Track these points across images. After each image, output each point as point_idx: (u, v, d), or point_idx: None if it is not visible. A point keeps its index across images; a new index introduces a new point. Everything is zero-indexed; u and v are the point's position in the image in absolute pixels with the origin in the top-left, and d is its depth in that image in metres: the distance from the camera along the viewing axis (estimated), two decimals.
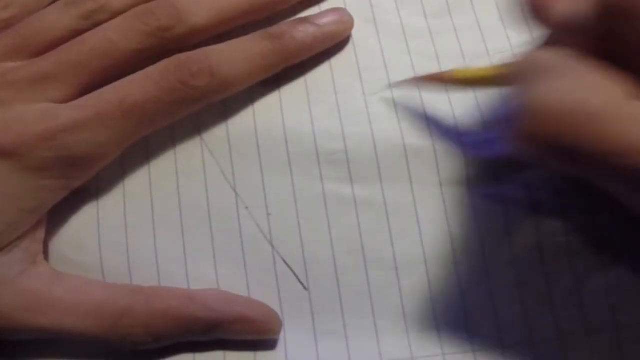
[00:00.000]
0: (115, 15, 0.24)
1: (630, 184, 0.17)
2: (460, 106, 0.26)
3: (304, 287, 0.24)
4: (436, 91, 0.25)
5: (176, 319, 0.22)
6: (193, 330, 0.23)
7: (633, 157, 0.16)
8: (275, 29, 0.25)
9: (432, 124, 0.25)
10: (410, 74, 0.26)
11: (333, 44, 0.26)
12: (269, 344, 0.24)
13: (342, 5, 0.27)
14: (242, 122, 0.25)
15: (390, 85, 0.26)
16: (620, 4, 0.18)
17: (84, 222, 0.24)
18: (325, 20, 0.26)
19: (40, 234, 0.23)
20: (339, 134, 0.25)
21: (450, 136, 0.25)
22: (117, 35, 0.23)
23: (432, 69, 0.26)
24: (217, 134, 0.25)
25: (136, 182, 0.25)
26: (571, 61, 0.18)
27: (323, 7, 0.27)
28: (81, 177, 0.23)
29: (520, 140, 0.18)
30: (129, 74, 0.23)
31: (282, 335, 0.24)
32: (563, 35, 0.20)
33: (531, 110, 0.18)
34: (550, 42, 0.21)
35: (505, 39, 0.27)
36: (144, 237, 0.24)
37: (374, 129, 0.25)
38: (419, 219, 0.24)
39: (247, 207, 0.24)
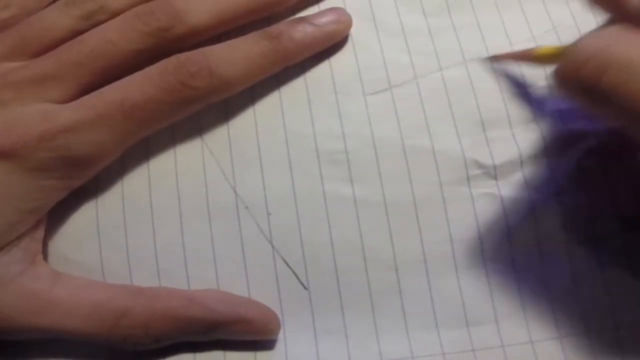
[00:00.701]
0: (115, 15, 0.24)
1: None
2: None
3: (304, 287, 0.24)
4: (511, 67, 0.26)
5: (176, 319, 0.22)
6: (193, 331, 0.23)
7: None
8: (273, 28, 0.25)
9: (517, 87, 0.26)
10: (410, 73, 0.26)
11: (332, 44, 0.26)
12: (269, 344, 0.24)
13: (341, 5, 0.27)
14: (243, 122, 0.25)
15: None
16: None
17: (84, 222, 0.24)
18: (324, 19, 0.26)
19: (40, 233, 0.23)
20: (339, 134, 0.25)
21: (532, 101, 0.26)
22: (117, 35, 0.23)
23: (432, 67, 0.26)
24: (217, 134, 0.25)
25: (136, 182, 0.25)
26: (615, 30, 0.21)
27: (322, 6, 0.27)
28: (81, 178, 0.23)
29: (562, 77, 0.20)
30: (129, 74, 0.23)
31: (282, 334, 0.24)
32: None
33: (577, 54, 0.20)
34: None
35: (504, 37, 0.27)
36: (144, 237, 0.24)
37: (373, 129, 0.25)
38: (419, 219, 0.24)
39: (247, 207, 0.24)
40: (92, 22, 0.24)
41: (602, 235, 0.24)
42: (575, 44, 0.21)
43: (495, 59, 0.26)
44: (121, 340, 0.22)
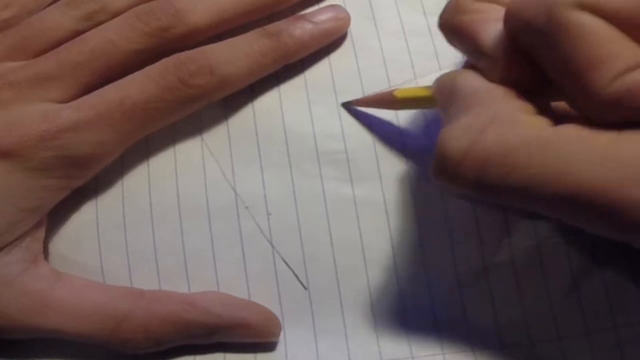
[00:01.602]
0: (115, 15, 0.24)
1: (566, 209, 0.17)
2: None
3: (304, 287, 0.24)
4: (384, 110, 0.25)
5: (176, 324, 0.22)
6: (193, 334, 0.23)
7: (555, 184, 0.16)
8: (272, 26, 0.25)
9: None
10: (409, 73, 0.26)
11: (330, 41, 0.26)
12: (269, 345, 0.24)
13: (341, 4, 0.27)
14: (243, 122, 0.25)
15: (339, 106, 0.25)
16: (519, 15, 0.17)
17: (83, 222, 0.24)
18: (322, 17, 0.26)
19: (40, 233, 0.23)
20: (339, 134, 0.25)
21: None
22: (117, 35, 0.23)
23: (432, 67, 0.26)
24: (217, 134, 0.25)
25: (135, 182, 0.25)
26: (487, 88, 0.19)
27: (321, 6, 0.27)
28: (82, 177, 0.23)
29: (443, 180, 0.18)
30: (130, 74, 0.23)
31: (282, 334, 0.24)
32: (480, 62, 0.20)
33: (449, 156, 0.18)
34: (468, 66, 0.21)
35: None
36: (144, 237, 0.24)
37: (373, 128, 0.25)
38: (419, 219, 0.24)
39: (247, 207, 0.24)
40: (92, 22, 0.24)
41: (601, 235, 0.24)
42: (445, 129, 0.19)
43: (349, 104, 0.25)
44: (121, 343, 0.22)
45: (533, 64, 0.18)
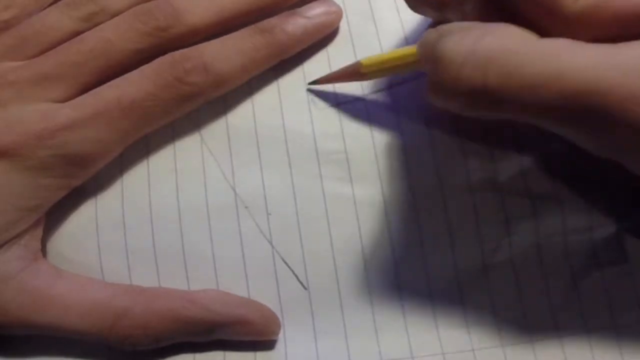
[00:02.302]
0: (115, 16, 0.24)
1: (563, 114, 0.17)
2: None
3: (304, 287, 0.24)
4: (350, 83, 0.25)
5: (175, 320, 0.22)
6: (192, 331, 0.23)
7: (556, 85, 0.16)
8: (265, 23, 0.25)
9: None
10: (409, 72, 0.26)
11: (323, 36, 0.26)
12: (269, 344, 0.24)
13: (340, 4, 0.27)
14: (242, 121, 0.25)
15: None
16: None
17: (83, 221, 0.24)
18: (314, 12, 0.26)
19: (39, 231, 0.23)
20: (338, 133, 0.25)
21: None
22: (116, 35, 0.23)
23: None
24: (216, 133, 0.25)
25: (135, 181, 0.25)
26: (470, 23, 0.19)
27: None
28: (81, 176, 0.23)
29: (442, 93, 0.19)
30: None
31: (281, 334, 0.24)
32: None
33: (450, 59, 0.18)
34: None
35: None
36: (143, 237, 0.24)
37: (373, 128, 0.25)
38: (419, 219, 0.24)
39: (246, 207, 0.24)
40: (92, 23, 0.24)
41: (601, 235, 0.24)
42: (424, 49, 0.19)
43: (316, 82, 0.25)
44: (120, 340, 0.22)
45: (501, 6, 0.19)
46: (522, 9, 0.18)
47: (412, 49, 0.22)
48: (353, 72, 0.24)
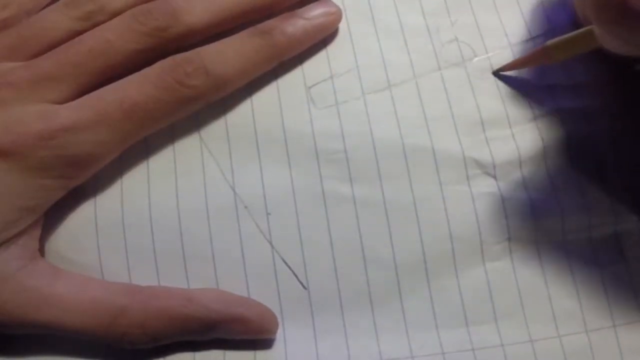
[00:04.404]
0: (114, 16, 0.24)
1: None
2: None
3: (304, 287, 0.24)
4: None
5: (174, 319, 0.22)
6: (191, 330, 0.23)
7: None
8: (264, 25, 0.25)
9: None
10: (409, 73, 0.26)
11: (323, 36, 0.26)
12: (268, 344, 0.24)
13: (340, 5, 0.27)
14: (242, 121, 0.25)
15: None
16: None
17: (82, 221, 0.24)
18: (313, 13, 0.26)
19: (37, 231, 0.23)
20: (338, 133, 0.25)
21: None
22: (115, 35, 0.23)
23: (431, 66, 0.26)
24: (216, 134, 0.25)
25: (134, 181, 0.25)
26: None
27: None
28: (80, 177, 0.23)
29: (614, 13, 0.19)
30: (128, 74, 0.23)
31: (281, 334, 0.24)
32: None
33: None
34: None
35: (503, 36, 0.27)
36: (143, 237, 0.24)
37: (373, 128, 0.25)
38: (419, 219, 0.24)
39: (246, 207, 0.24)
40: (91, 23, 0.24)
41: (601, 234, 0.24)
42: None
43: (502, 70, 0.26)
44: (118, 338, 0.22)
45: None
46: None
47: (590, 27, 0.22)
48: (541, 55, 0.24)
